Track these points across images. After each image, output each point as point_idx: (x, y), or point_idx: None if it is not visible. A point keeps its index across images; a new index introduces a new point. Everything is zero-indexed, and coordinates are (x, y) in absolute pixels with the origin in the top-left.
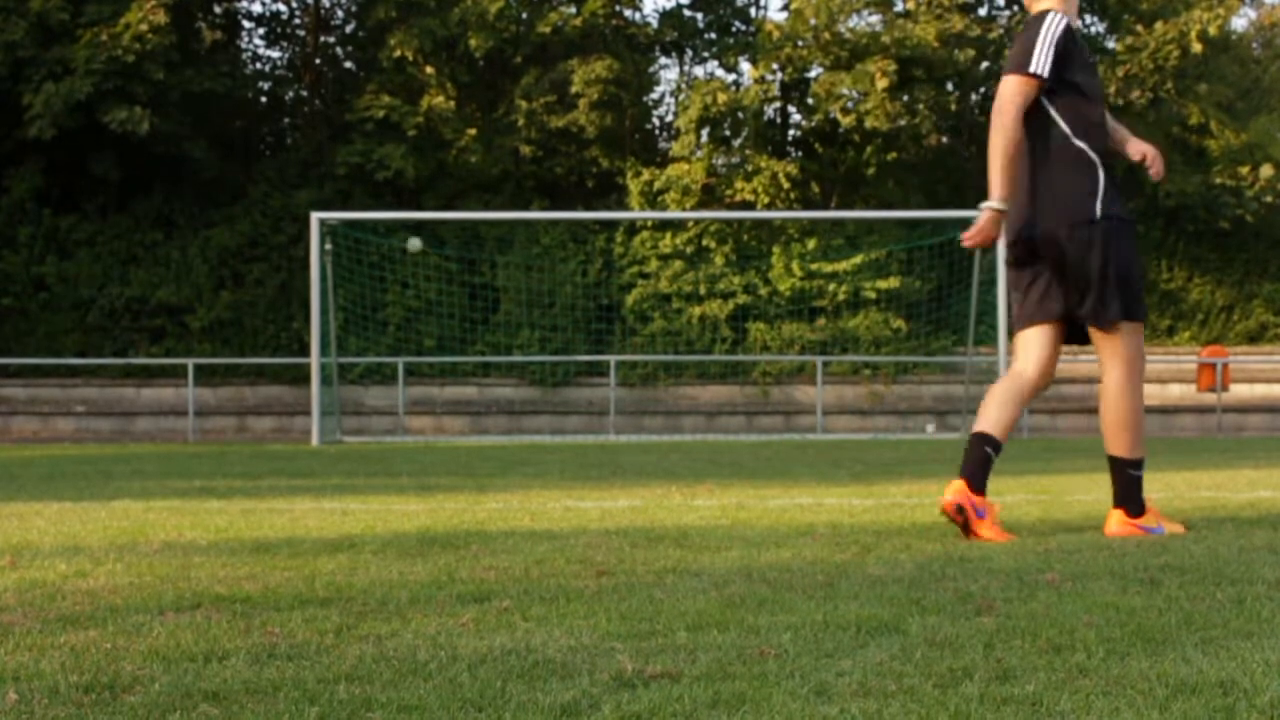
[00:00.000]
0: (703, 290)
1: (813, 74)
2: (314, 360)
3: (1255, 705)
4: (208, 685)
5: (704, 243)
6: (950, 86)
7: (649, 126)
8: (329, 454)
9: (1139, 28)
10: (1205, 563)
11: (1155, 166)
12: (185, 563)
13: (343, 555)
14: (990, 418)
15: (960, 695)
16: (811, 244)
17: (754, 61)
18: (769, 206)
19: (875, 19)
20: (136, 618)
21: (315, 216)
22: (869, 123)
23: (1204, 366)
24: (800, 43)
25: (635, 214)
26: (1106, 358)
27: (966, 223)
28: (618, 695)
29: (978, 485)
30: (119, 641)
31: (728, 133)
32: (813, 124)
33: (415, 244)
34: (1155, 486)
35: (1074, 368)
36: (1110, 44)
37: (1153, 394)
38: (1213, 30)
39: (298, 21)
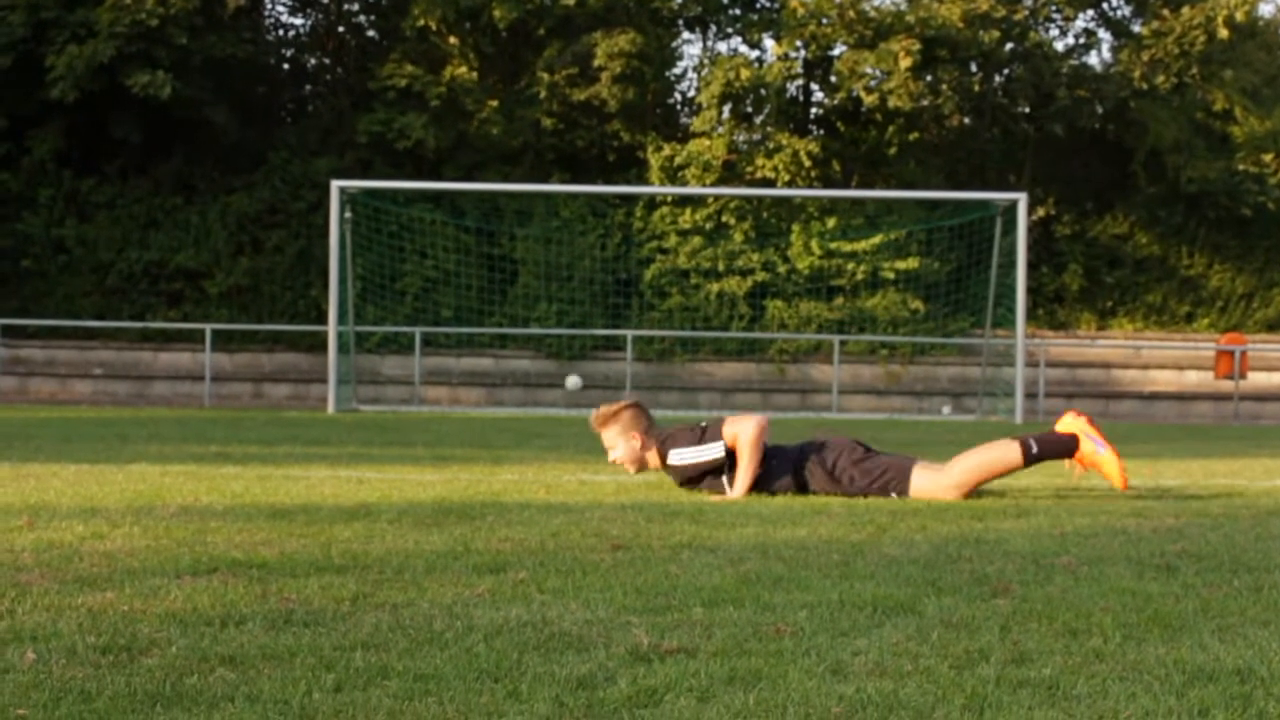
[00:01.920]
0: (721, 267)
1: (836, 52)
2: (331, 328)
3: (1273, 693)
4: (224, 649)
5: (723, 219)
6: (974, 67)
7: (671, 101)
8: (345, 422)
9: (1165, 12)
10: (1222, 550)
11: None
12: (202, 527)
13: (359, 523)
14: None
15: (976, 677)
16: (831, 223)
17: (777, 38)
18: (789, 184)
19: None
20: (153, 581)
21: (335, 184)
22: (892, 102)
23: (1222, 353)
24: (824, 20)
25: (655, 189)
26: None
27: (987, 205)
28: (633, 669)
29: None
30: (136, 604)
31: (749, 109)
32: (835, 102)
33: (575, 382)
34: (1170, 472)
35: (1089, 352)
36: (1136, 28)
37: (1170, 380)
38: (1240, 16)
39: None
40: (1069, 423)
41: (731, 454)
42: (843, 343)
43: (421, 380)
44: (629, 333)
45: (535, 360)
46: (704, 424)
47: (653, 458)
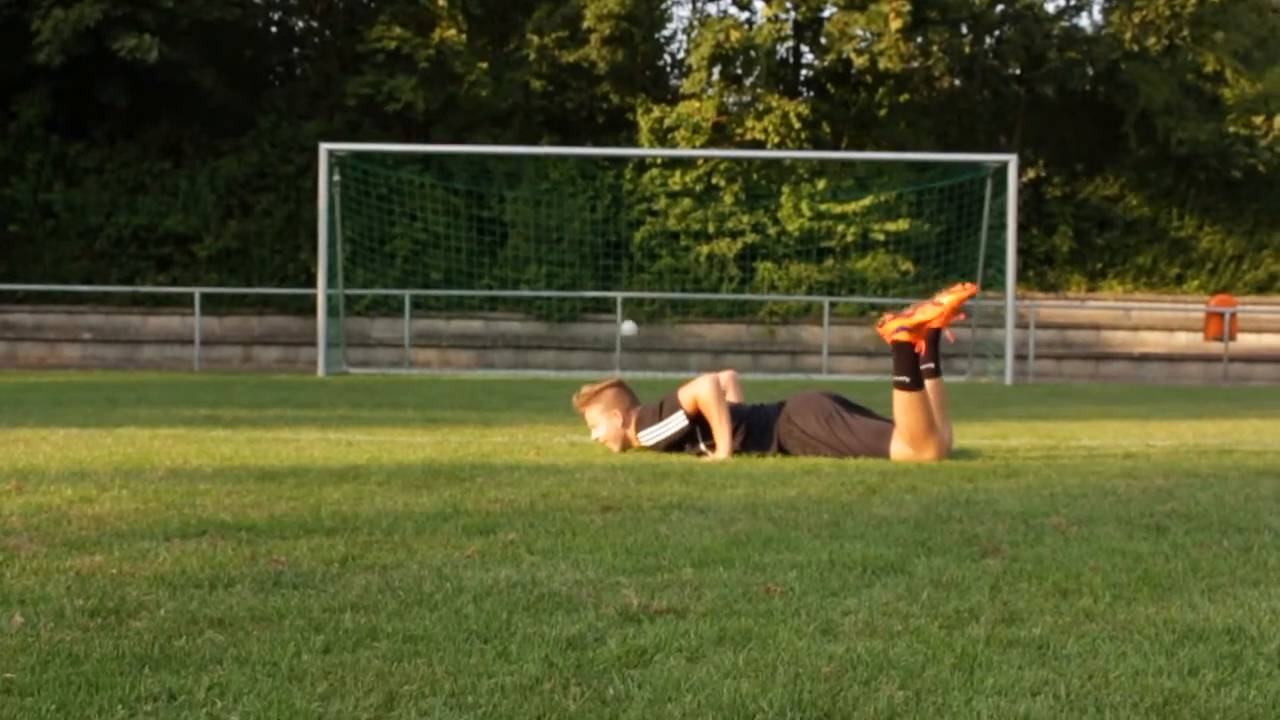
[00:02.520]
0: (711, 229)
1: (826, 13)
2: (320, 291)
3: (1262, 652)
4: (213, 612)
5: (713, 181)
6: (964, 29)
7: (660, 63)
8: (334, 385)
9: None
10: (1212, 510)
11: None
12: (191, 490)
13: (348, 485)
14: None
15: (966, 637)
16: (821, 184)
17: (768, 0)
18: (779, 146)
19: None
20: (142, 544)
21: (324, 147)
22: (882, 64)
23: (1212, 315)
24: None
25: (645, 151)
26: None
27: (977, 166)
28: (623, 629)
29: None
30: (125, 567)
31: (739, 71)
32: (825, 64)
33: (630, 328)
34: (1160, 433)
35: (1078, 313)
36: None
37: (1159, 342)
38: None
39: None
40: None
41: (699, 420)
42: (833, 304)
43: (411, 343)
44: (619, 294)
45: (525, 322)
46: (661, 399)
47: (632, 433)
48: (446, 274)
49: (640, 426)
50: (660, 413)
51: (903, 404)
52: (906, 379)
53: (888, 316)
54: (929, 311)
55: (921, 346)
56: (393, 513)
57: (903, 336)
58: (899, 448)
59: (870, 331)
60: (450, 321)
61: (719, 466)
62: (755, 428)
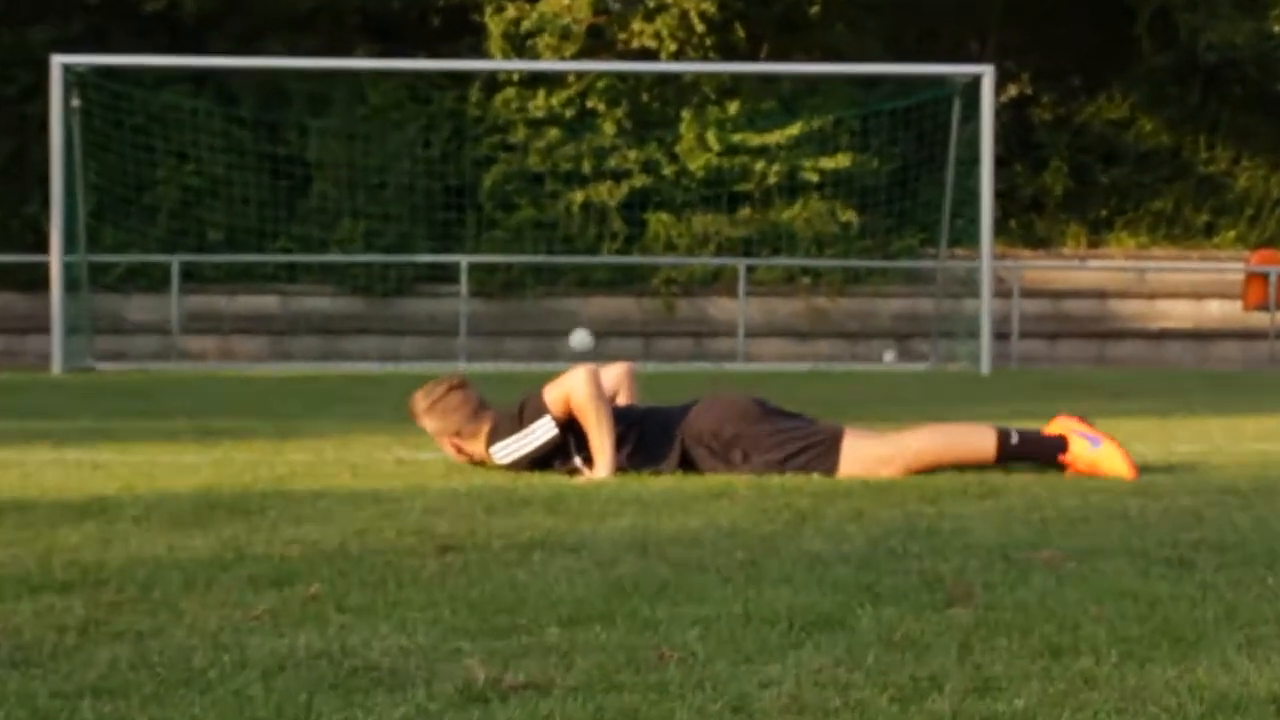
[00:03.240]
0: (587, 168)
1: None
2: (55, 258)
3: None
4: None
5: (589, 104)
6: None
7: None
8: (75, 385)
9: None
10: (1252, 539)
11: None
12: None
13: (91, 524)
14: None
15: (926, 713)
16: (733, 108)
17: None
18: (676, 56)
19: None
20: None
21: (57, 60)
22: None
23: (1253, 277)
24: None
25: (496, 64)
26: None
27: (941, 82)
28: (466, 713)
29: None
30: None
31: None
32: None
33: (583, 340)
34: (1185, 435)
35: (1076, 275)
36: None
37: (1185, 313)
38: None
39: None
40: (1061, 424)
41: (572, 427)
42: (750, 269)
43: (181, 327)
44: (463, 259)
45: (336, 298)
46: (520, 400)
47: (480, 449)
48: (228, 233)
49: (493, 439)
50: (520, 419)
51: (968, 449)
52: (1014, 445)
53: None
54: (1117, 461)
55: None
56: (152, 560)
57: (1079, 446)
58: (854, 460)
59: (800, 304)
60: (234, 298)
61: (597, 489)
62: (649, 435)
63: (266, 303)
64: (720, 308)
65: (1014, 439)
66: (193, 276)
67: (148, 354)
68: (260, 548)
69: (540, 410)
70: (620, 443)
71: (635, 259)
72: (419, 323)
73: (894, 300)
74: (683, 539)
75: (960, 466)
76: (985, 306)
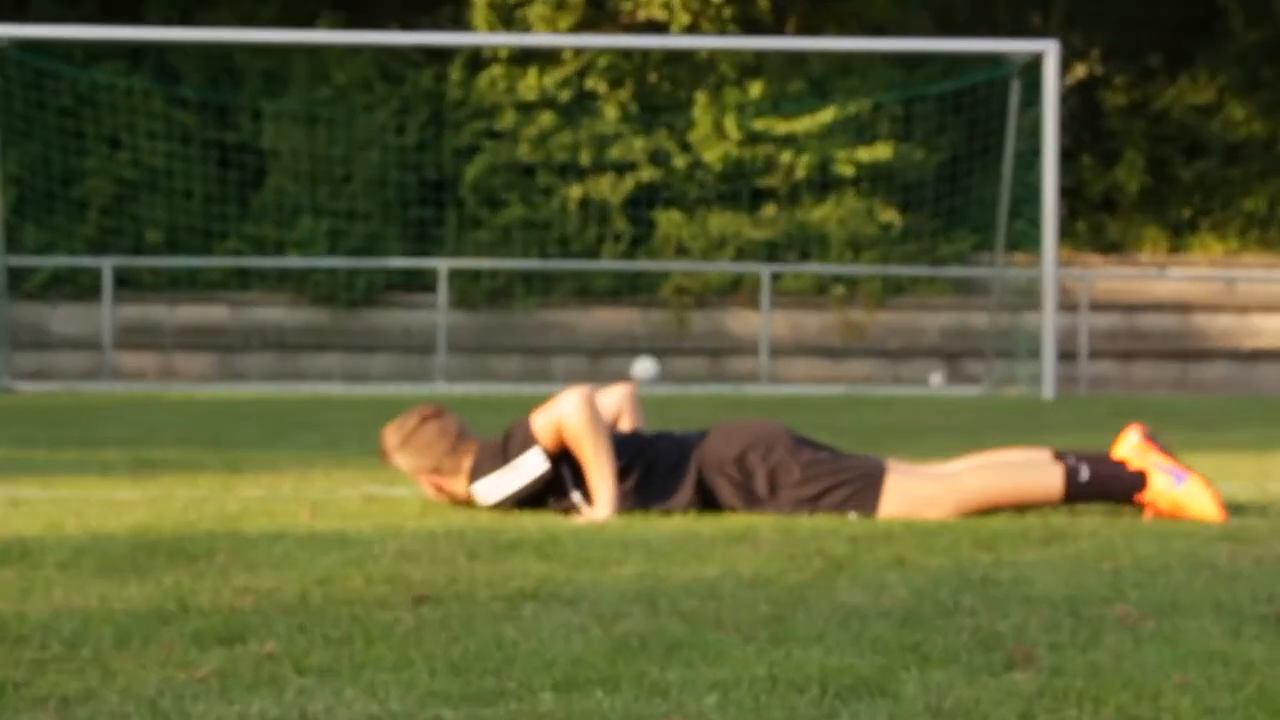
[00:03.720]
0: (585, 159)
1: None
2: None
3: None
4: None
5: (588, 85)
6: None
7: None
8: None
9: None
10: None
11: None
12: None
13: (10, 570)
14: None
15: None
16: (755, 90)
17: None
18: (690, 30)
19: None
20: None
21: None
22: None
23: None
24: None
25: (481, 37)
26: None
27: (997, 61)
28: None
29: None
30: None
31: None
32: None
33: (647, 369)
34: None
35: (1155, 286)
36: None
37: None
38: None
39: None
40: (1132, 447)
41: (566, 459)
42: (775, 276)
43: (115, 342)
44: (442, 263)
45: (294, 309)
46: (507, 428)
47: (463, 487)
48: (170, 234)
49: (475, 475)
50: (505, 451)
51: (1030, 487)
52: (1084, 483)
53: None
54: (1204, 501)
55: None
56: (81, 612)
57: (1161, 483)
58: (898, 499)
59: (833, 317)
60: (176, 308)
61: (597, 531)
62: (660, 467)
63: (214, 314)
64: (740, 321)
65: (1084, 475)
66: (128, 283)
67: (76, 373)
68: (206, 598)
69: (528, 441)
70: (624, 476)
71: (641, 264)
72: (390, 338)
73: (942, 314)
74: (697, 590)
75: (1021, 507)
76: (1048, 321)
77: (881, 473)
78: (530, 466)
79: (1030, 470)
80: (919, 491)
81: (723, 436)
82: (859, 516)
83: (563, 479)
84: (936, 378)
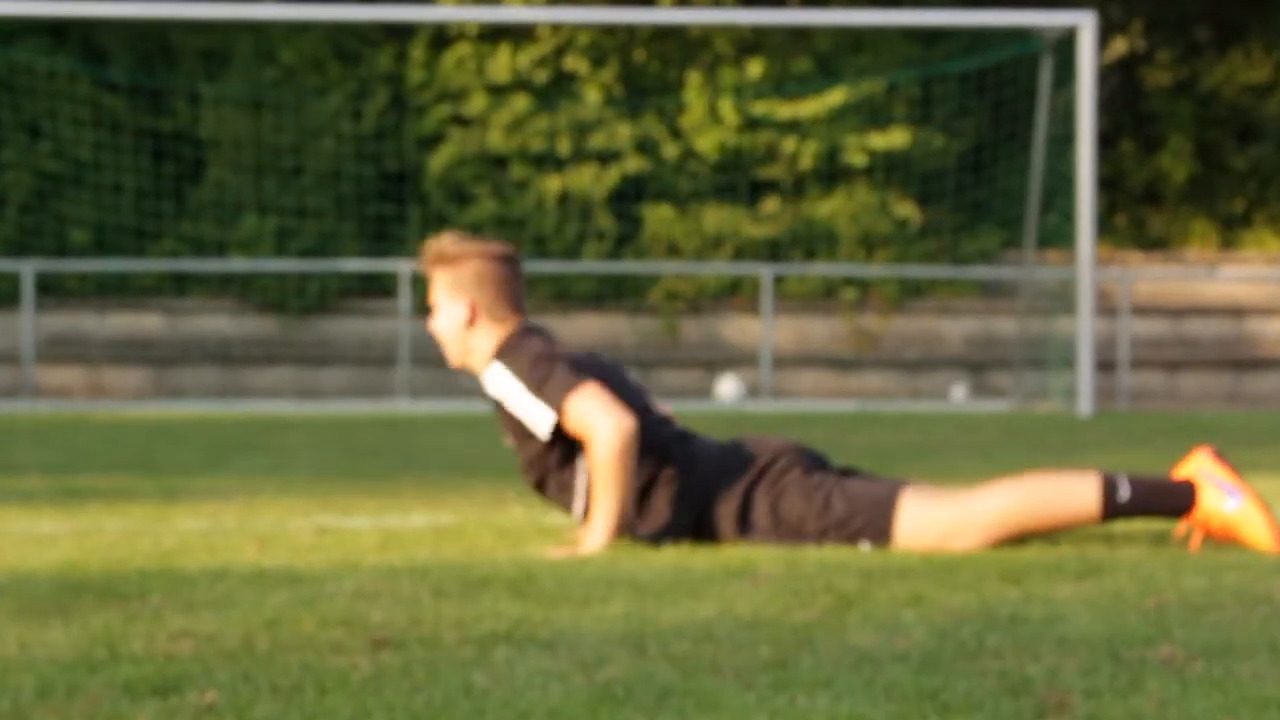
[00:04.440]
0: (564, 149)
1: None
2: None
3: None
4: None
5: (567, 65)
6: None
7: None
8: None
9: None
10: None
11: None
12: None
13: None
14: None
15: None
16: (755, 69)
17: None
18: (681, 2)
19: None
20: None
21: None
22: None
23: None
24: None
25: (446, 11)
26: None
27: (1026, 35)
28: None
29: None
30: None
31: None
32: None
33: (732, 390)
34: None
35: (1204, 287)
36: None
37: None
38: None
39: None
40: (1195, 465)
41: (566, 440)
42: (778, 279)
43: (38, 355)
44: (404, 265)
45: (238, 318)
46: (553, 358)
47: (479, 355)
48: (98, 233)
49: (507, 357)
50: (540, 386)
51: (1064, 505)
52: (1123, 502)
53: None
54: (1258, 526)
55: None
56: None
57: (1211, 499)
58: (915, 527)
59: (843, 324)
60: (105, 317)
61: (577, 567)
62: (708, 481)
63: (147, 323)
64: (738, 329)
65: (1123, 493)
66: (51, 289)
67: None
68: (139, 644)
69: (556, 397)
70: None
71: (628, 266)
72: (346, 349)
73: (965, 320)
74: (690, 632)
75: (1054, 532)
76: (1085, 328)
77: (897, 496)
78: (538, 417)
79: (1063, 487)
80: (940, 517)
81: (736, 466)
82: (872, 547)
83: (551, 452)
84: (959, 392)
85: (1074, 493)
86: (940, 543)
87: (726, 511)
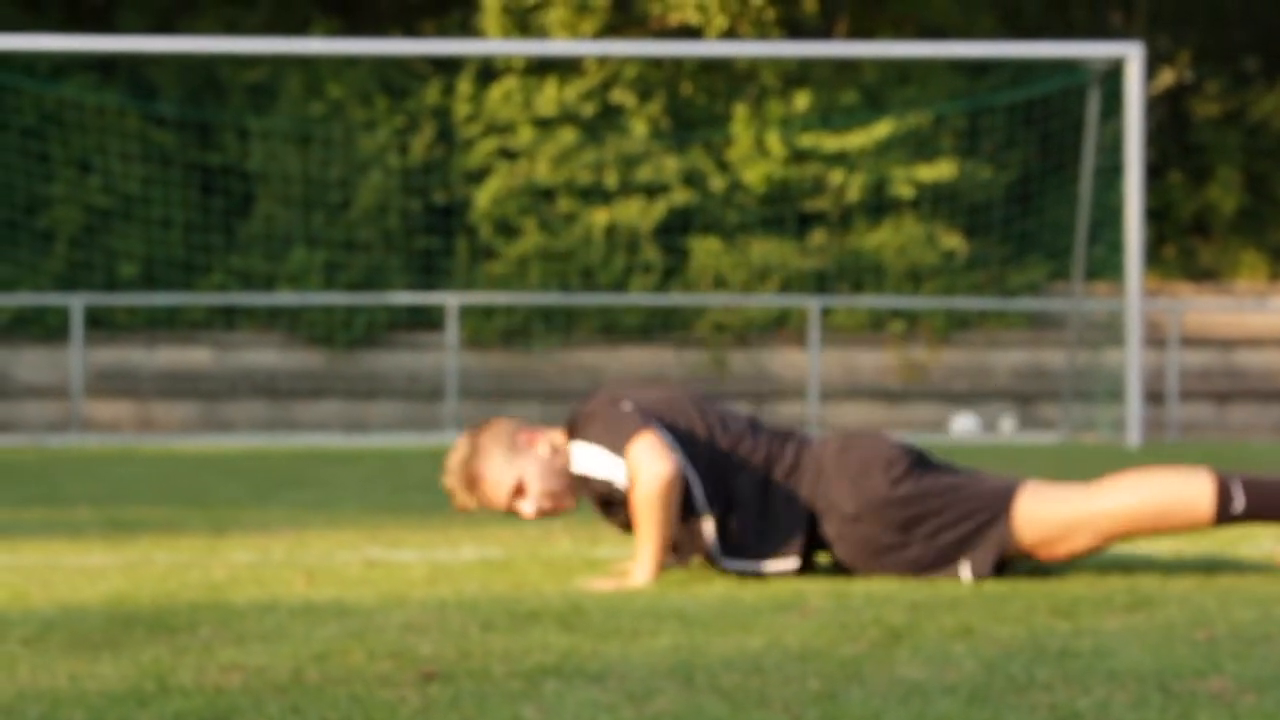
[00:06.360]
0: (611, 182)
1: None
2: None
3: None
4: None
5: (613, 98)
6: None
7: None
8: None
9: None
10: None
11: None
12: None
13: None
14: None
15: None
16: (802, 102)
17: None
18: (728, 35)
19: None
20: None
21: None
22: None
23: None
24: None
25: (494, 45)
26: None
27: (1073, 67)
28: None
29: None
30: None
31: None
32: None
33: (967, 425)
34: None
35: (1254, 319)
36: None
37: None
38: None
39: None
40: None
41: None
42: (825, 311)
43: (87, 389)
44: (452, 298)
45: (286, 351)
46: (627, 403)
47: (559, 460)
48: (147, 268)
49: (585, 432)
50: (619, 436)
51: (1179, 504)
52: (1240, 510)
53: None
54: None
55: None
56: (50, 693)
57: None
58: (1029, 526)
59: (891, 356)
60: (154, 351)
61: (626, 599)
62: (777, 500)
63: (196, 357)
64: (786, 361)
65: (1238, 499)
66: (100, 323)
67: (42, 424)
68: (189, 676)
69: (619, 450)
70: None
71: (675, 298)
72: (394, 382)
73: (1013, 351)
74: (739, 664)
75: (1163, 533)
76: (1133, 359)
77: (1013, 495)
78: (615, 470)
79: (1178, 483)
80: (1053, 515)
81: (835, 456)
82: (974, 574)
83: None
84: (1007, 423)
85: (1189, 489)
86: (1058, 537)
87: (837, 521)
